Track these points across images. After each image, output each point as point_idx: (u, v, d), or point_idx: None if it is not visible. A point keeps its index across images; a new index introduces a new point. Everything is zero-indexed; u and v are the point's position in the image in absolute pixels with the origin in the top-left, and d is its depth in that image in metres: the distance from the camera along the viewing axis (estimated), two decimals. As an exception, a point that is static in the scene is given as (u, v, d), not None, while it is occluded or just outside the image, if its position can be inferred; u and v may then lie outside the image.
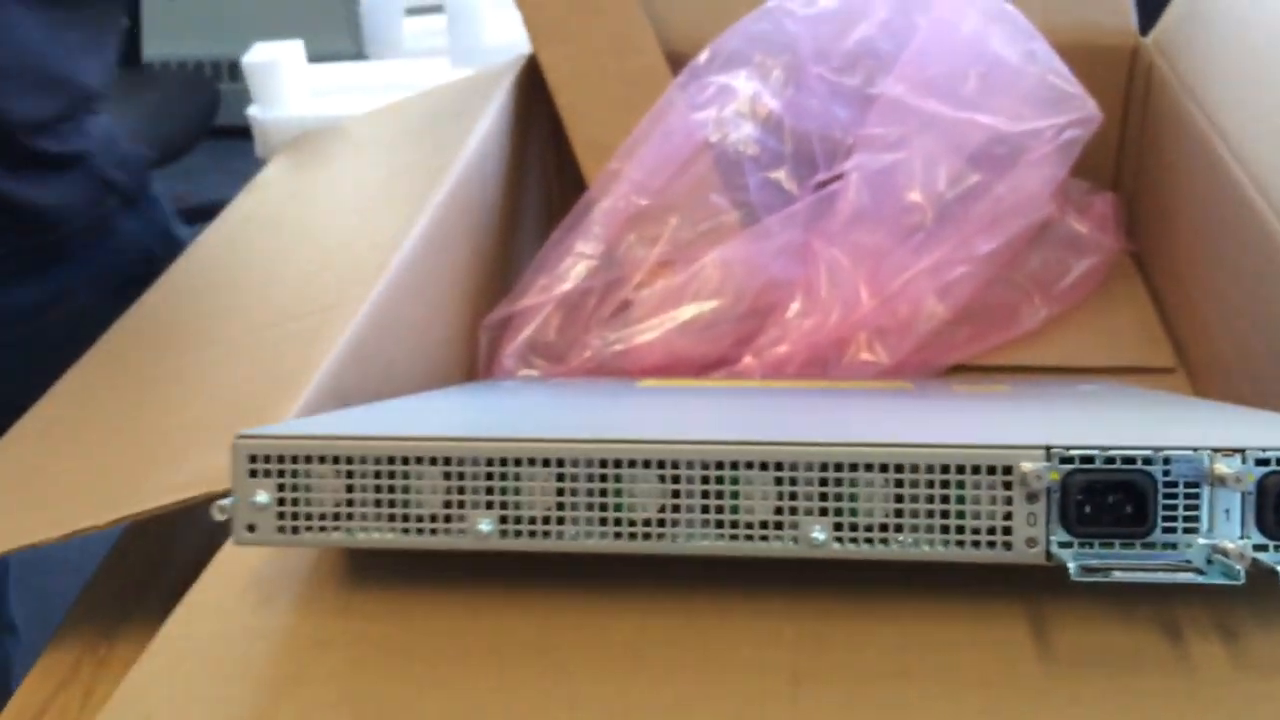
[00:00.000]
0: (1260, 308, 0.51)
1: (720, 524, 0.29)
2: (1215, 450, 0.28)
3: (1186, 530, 0.28)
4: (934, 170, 0.58)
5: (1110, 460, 0.28)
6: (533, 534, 0.30)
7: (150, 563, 0.48)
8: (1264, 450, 0.27)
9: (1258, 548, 0.28)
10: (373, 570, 0.33)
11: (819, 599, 0.31)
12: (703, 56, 0.66)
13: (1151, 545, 0.28)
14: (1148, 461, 0.28)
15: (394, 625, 0.31)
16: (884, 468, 0.29)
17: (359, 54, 1.08)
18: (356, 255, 0.52)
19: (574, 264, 0.62)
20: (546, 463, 0.30)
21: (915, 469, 0.29)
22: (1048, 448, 0.28)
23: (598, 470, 0.30)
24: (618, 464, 0.30)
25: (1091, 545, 0.28)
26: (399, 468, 0.30)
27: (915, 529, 0.29)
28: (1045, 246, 0.66)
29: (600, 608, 0.31)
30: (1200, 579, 0.27)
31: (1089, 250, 0.67)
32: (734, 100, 0.65)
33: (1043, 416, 0.36)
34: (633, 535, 0.30)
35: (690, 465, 0.29)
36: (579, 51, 0.71)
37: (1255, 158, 0.53)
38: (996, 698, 0.28)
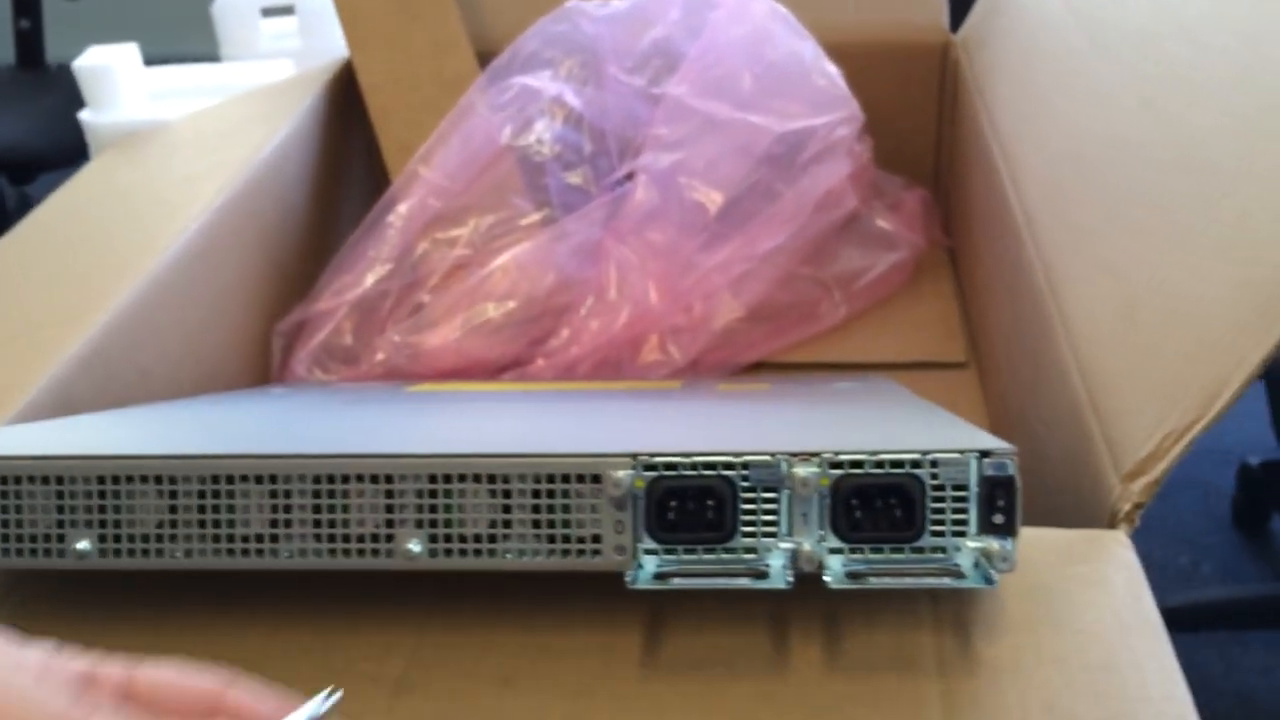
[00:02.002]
0: (1012, 304, 0.52)
1: (331, 538, 0.30)
2: (793, 455, 0.28)
3: (765, 535, 0.28)
4: (715, 169, 0.59)
5: (694, 467, 0.28)
6: (132, 553, 0.29)
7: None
8: (837, 454, 0.28)
9: (834, 550, 0.28)
10: None
11: (450, 609, 0.31)
12: (502, 58, 0.65)
13: (733, 550, 0.28)
14: (728, 467, 0.28)
15: None
16: (489, 478, 0.29)
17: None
18: (115, 261, 0.52)
19: (369, 267, 0.62)
20: (154, 479, 0.30)
21: (518, 479, 0.29)
22: (634, 455, 0.28)
23: (208, 486, 0.30)
24: (229, 479, 0.30)
25: (676, 552, 0.28)
26: (10, 488, 0.30)
27: (520, 538, 0.29)
28: (850, 243, 0.66)
29: (237, 621, 0.31)
30: (759, 584, 0.27)
31: (895, 246, 0.67)
32: (535, 101, 0.64)
33: (715, 418, 0.37)
34: (242, 551, 0.30)
35: (301, 479, 0.30)
36: (393, 54, 0.71)
37: (1016, 155, 0.54)
38: (585, 705, 0.28)
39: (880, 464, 0.28)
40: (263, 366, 0.61)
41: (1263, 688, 1.13)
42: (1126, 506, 0.33)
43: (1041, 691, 0.27)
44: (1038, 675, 0.28)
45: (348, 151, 0.72)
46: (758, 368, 0.64)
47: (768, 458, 0.28)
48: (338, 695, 0.25)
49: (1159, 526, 1.30)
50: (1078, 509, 0.38)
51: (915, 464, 0.27)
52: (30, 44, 1.90)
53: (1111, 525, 0.34)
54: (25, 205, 2.04)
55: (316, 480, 0.29)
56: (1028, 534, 0.32)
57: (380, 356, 0.60)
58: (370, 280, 0.62)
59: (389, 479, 0.29)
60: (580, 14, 0.64)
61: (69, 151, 1.85)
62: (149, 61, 0.90)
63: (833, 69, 0.58)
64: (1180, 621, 1.16)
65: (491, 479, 0.29)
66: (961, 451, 0.27)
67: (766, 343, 0.63)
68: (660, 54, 0.62)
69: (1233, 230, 0.33)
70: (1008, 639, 0.29)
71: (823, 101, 0.57)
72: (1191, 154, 0.37)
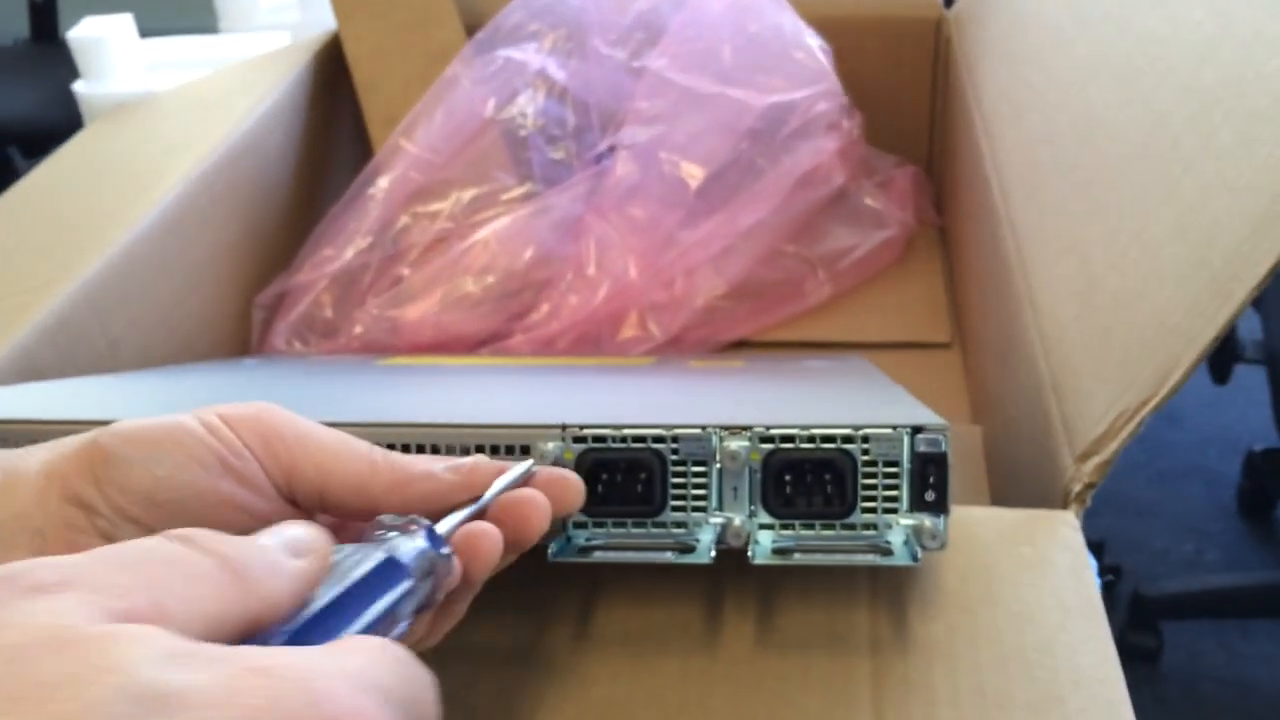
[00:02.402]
0: (990, 284, 0.51)
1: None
2: (724, 428, 0.27)
3: (695, 509, 0.28)
4: (697, 144, 0.58)
5: (623, 439, 0.28)
6: (63, 516, 0.29)
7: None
8: (768, 428, 0.27)
9: (765, 526, 0.27)
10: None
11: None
12: (487, 30, 0.65)
13: (662, 524, 0.28)
14: (658, 440, 0.28)
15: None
16: (419, 449, 0.29)
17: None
18: (87, 231, 0.52)
19: (350, 240, 0.62)
20: (87, 444, 0.29)
21: (446, 449, 0.29)
22: (563, 427, 0.28)
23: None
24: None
25: (606, 525, 0.28)
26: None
27: (450, 509, 0.29)
28: (837, 220, 0.65)
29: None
30: (683, 559, 0.27)
31: (883, 225, 0.66)
32: (520, 74, 0.64)
33: (660, 392, 0.36)
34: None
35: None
36: (380, 25, 0.70)
37: (998, 134, 0.53)
38: (514, 675, 0.28)
39: (812, 439, 0.27)
40: (242, 339, 0.61)
41: (1265, 676, 1.12)
42: (1078, 487, 0.33)
43: (973, 672, 0.27)
44: (971, 656, 0.27)
45: (335, 123, 0.72)
46: (740, 346, 0.63)
47: (698, 431, 0.27)
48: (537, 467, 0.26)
49: (1164, 514, 1.29)
50: (1040, 491, 0.37)
51: (847, 439, 0.27)
52: (44, 18, 1.91)
53: (1064, 506, 0.33)
54: (38, 178, 2.05)
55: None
56: (974, 513, 0.32)
57: (359, 329, 0.60)
58: (351, 253, 0.62)
59: (321, 448, 0.29)
60: (565, -14, 0.64)
61: (81, 125, 1.85)
62: (152, 34, 0.90)
63: (812, 42, 0.57)
64: (1184, 609, 1.16)
65: (420, 449, 0.28)
66: (894, 427, 0.27)
67: (749, 321, 0.63)
68: (644, 27, 0.61)
69: (1192, 209, 0.32)
70: (943, 619, 0.29)
71: (801, 75, 0.56)
72: (1158, 132, 0.36)
